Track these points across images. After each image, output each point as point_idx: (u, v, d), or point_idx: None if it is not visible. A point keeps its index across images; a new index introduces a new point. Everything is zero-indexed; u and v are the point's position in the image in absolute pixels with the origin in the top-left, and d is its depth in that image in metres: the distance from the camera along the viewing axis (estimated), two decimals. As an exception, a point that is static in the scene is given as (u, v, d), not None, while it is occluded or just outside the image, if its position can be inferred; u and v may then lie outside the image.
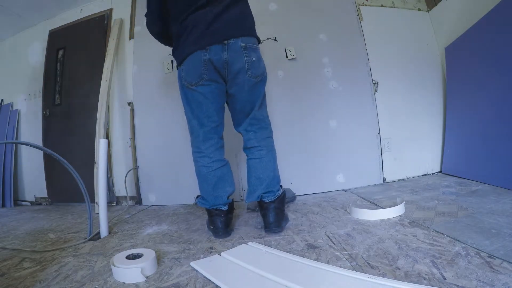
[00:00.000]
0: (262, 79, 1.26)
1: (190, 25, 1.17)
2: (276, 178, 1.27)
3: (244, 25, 1.21)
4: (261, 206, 1.24)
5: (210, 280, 0.80)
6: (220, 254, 0.97)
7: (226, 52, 1.15)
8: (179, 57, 1.22)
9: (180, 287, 0.79)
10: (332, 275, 0.75)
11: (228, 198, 1.26)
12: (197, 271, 0.87)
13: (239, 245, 1.06)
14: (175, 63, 2.11)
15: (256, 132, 1.27)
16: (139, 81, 2.22)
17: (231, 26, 1.17)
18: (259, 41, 1.28)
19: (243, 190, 1.97)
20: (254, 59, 1.19)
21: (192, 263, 0.91)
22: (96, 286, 0.82)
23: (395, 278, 0.71)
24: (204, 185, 1.25)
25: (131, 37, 2.29)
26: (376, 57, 2.07)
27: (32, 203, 2.59)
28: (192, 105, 1.23)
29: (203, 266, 0.88)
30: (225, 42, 1.15)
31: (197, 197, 1.32)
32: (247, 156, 1.30)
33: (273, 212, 1.20)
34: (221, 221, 1.21)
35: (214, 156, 1.25)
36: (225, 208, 1.24)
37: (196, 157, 1.27)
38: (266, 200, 1.22)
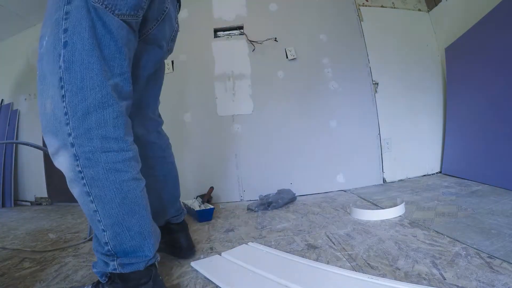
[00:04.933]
0: None
1: None
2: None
3: None
4: (173, 229, 0.98)
5: (210, 280, 0.80)
6: (220, 254, 0.97)
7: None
8: None
9: None
10: (332, 275, 0.75)
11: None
12: (197, 271, 0.87)
13: (239, 245, 1.06)
14: (175, 63, 2.12)
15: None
16: (139, 81, 2.22)
17: None
18: None
19: (243, 190, 1.97)
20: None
21: (193, 263, 0.91)
22: (96, 286, 0.82)
23: (395, 278, 0.71)
24: (134, 218, 0.66)
25: (131, 37, 2.29)
26: (376, 58, 2.07)
27: (32, 203, 2.59)
28: (115, 47, 0.64)
29: (204, 266, 0.88)
30: None
31: (112, 262, 0.66)
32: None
33: (187, 231, 1.01)
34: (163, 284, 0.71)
35: (139, 159, 0.72)
36: (157, 260, 0.72)
37: (113, 160, 0.63)
38: (180, 220, 1.01)
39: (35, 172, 2.57)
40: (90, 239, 1.30)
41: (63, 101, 0.61)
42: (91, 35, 0.61)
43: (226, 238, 1.18)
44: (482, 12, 1.69)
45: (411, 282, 0.68)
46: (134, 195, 0.66)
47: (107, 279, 0.69)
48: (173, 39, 0.90)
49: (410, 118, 2.10)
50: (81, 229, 1.53)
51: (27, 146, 1.87)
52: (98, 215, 0.63)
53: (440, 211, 1.21)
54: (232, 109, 2.03)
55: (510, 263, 0.72)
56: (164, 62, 0.96)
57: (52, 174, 2.47)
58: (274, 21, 2.09)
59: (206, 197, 1.73)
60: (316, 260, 0.88)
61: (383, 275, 0.74)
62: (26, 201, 2.64)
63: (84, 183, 0.62)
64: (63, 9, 0.61)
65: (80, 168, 0.61)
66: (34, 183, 2.58)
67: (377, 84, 2.05)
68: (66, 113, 0.61)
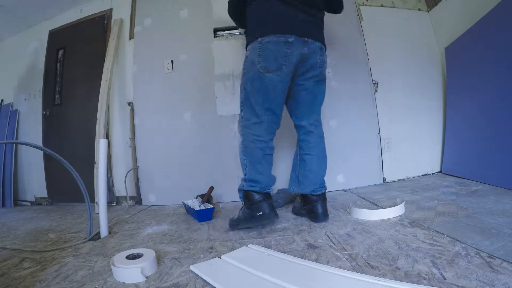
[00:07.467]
0: None
1: None
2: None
3: None
4: (313, 199, 1.32)
5: (210, 284, 0.79)
6: (220, 257, 0.96)
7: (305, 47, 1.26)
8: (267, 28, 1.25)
9: (180, 287, 0.79)
10: (333, 277, 0.75)
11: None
12: (197, 275, 0.86)
13: (239, 245, 1.06)
14: (175, 63, 2.12)
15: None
16: (139, 81, 2.22)
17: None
18: None
19: (243, 190, 1.97)
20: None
21: (192, 267, 0.89)
22: (96, 286, 0.82)
23: (395, 278, 0.71)
24: (258, 166, 1.27)
25: (131, 37, 2.29)
26: (376, 57, 2.07)
27: (32, 203, 2.59)
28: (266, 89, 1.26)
29: (203, 270, 0.86)
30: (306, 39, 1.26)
31: (243, 184, 1.29)
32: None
33: (324, 201, 1.34)
34: (269, 204, 1.25)
35: (271, 144, 1.33)
36: (271, 191, 1.30)
37: (253, 139, 1.27)
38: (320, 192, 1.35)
39: (35, 172, 2.57)
40: (90, 239, 1.30)
41: None
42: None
43: (226, 238, 1.18)
44: (482, 12, 1.69)
45: (411, 281, 0.68)
46: (259, 156, 1.27)
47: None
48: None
49: (410, 118, 2.10)
50: (81, 229, 1.53)
51: (27, 146, 1.87)
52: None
53: (440, 211, 1.21)
54: (232, 109, 2.03)
55: (510, 262, 0.72)
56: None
57: (52, 174, 2.47)
58: (274, 21, 2.09)
59: (206, 197, 1.73)
60: (316, 259, 0.88)
61: (383, 275, 0.74)
62: (26, 201, 2.64)
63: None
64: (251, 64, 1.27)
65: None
66: (34, 183, 2.58)
67: (377, 83, 2.05)
68: None
